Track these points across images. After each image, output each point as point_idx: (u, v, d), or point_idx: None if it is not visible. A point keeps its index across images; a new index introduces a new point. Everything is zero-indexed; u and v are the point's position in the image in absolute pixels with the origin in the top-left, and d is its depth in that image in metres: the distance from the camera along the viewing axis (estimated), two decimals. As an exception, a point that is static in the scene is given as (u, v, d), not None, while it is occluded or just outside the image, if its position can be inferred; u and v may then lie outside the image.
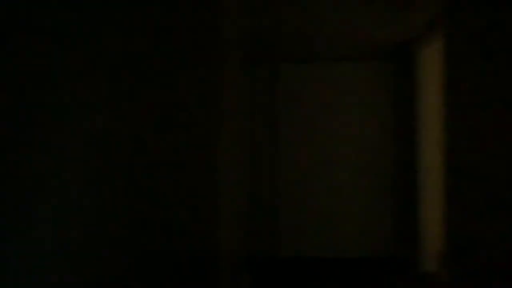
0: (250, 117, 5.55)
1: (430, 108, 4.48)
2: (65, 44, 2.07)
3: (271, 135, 5.55)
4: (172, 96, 2.11)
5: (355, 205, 5.53)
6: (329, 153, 5.55)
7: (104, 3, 2.20)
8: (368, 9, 3.92)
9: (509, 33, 2.99)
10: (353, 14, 4.02)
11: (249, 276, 4.84)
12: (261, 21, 4.12)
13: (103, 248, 1.41)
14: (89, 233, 1.40)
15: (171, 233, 1.95)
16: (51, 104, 2.00)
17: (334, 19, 4.07)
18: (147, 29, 2.07)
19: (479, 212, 3.16)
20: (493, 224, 3.04)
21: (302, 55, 5.36)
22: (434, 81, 4.50)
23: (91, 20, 2.13)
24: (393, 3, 3.84)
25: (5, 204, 1.77)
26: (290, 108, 5.60)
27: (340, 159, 5.55)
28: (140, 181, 1.66)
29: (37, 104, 2.03)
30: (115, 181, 1.63)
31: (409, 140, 4.87)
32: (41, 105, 2.03)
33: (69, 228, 1.68)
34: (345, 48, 5.14)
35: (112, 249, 1.43)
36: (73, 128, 1.91)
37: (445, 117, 3.71)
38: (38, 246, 1.73)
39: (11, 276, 1.63)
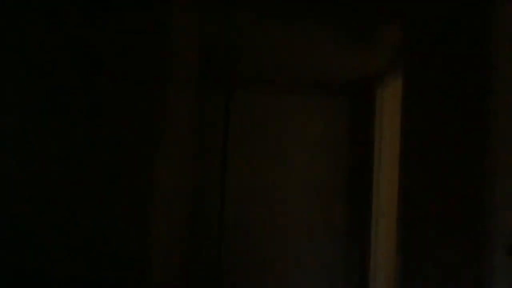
0: (197, 144, 5.34)
1: (388, 149, 4.38)
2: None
3: (217, 171, 5.33)
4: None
5: (304, 251, 5.32)
6: (277, 192, 5.35)
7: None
8: (329, 43, 3.83)
9: (458, 72, 2.92)
10: (313, 47, 3.92)
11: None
12: (216, 41, 3.96)
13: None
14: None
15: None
16: None
17: (292, 49, 3.97)
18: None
19: (430, 262, 2.99)
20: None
21: (257, 83, 5.23)
22: (393, 121, 4.42)
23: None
24: (354, 39, 3.76)
25: None
26: (240, 139, 5.41)
27: (289, 199, 5.35)
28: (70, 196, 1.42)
29: None
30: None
31: (365, 182, 4.74)
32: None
33: None
34: (302, 80, 5.04)
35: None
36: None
37: (401, 158, 3.60)
38: None
39: None
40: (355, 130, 5.29)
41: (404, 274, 3.37)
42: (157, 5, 2.29)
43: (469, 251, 2.52)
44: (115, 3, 1.87)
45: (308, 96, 5.37)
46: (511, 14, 2.43)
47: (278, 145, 5.39)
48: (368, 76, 4.61)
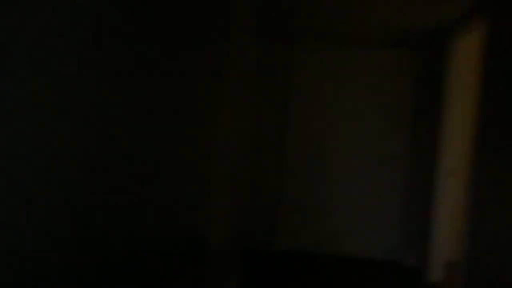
0: (258, 97, 5.22)
1: (458, 104, 4.11)
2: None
3: (278, 120, 5.21)
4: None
5: (362, 203, 5.19)
6: (339, 144, 5.20)
7: None
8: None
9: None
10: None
11: (241, 267, 4.53)
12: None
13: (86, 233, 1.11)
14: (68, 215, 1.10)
15: (159, 220, 1.66)
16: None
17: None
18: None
19: (501, 224, 2.81)
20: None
21: (321, 35, 4.98)
22: (464, 76, 4.12)
23: None
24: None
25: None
26: (302, 90, 5.24)
27: (350, 152, 5.19)
28: (128, 165, 1.35)
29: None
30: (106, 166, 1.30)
31: (429, 137, 4.51)
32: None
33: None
34: (368, 32, 4.76)
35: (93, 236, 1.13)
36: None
37: (477, 116, 3.36)
38: None
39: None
40: (423, 85, 5.02)
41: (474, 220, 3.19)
42: None
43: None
44: None
45: (375, 49, 5.10)
46: None
47: (345, 95, 5.20)
48: (440, 28, 4.29)
